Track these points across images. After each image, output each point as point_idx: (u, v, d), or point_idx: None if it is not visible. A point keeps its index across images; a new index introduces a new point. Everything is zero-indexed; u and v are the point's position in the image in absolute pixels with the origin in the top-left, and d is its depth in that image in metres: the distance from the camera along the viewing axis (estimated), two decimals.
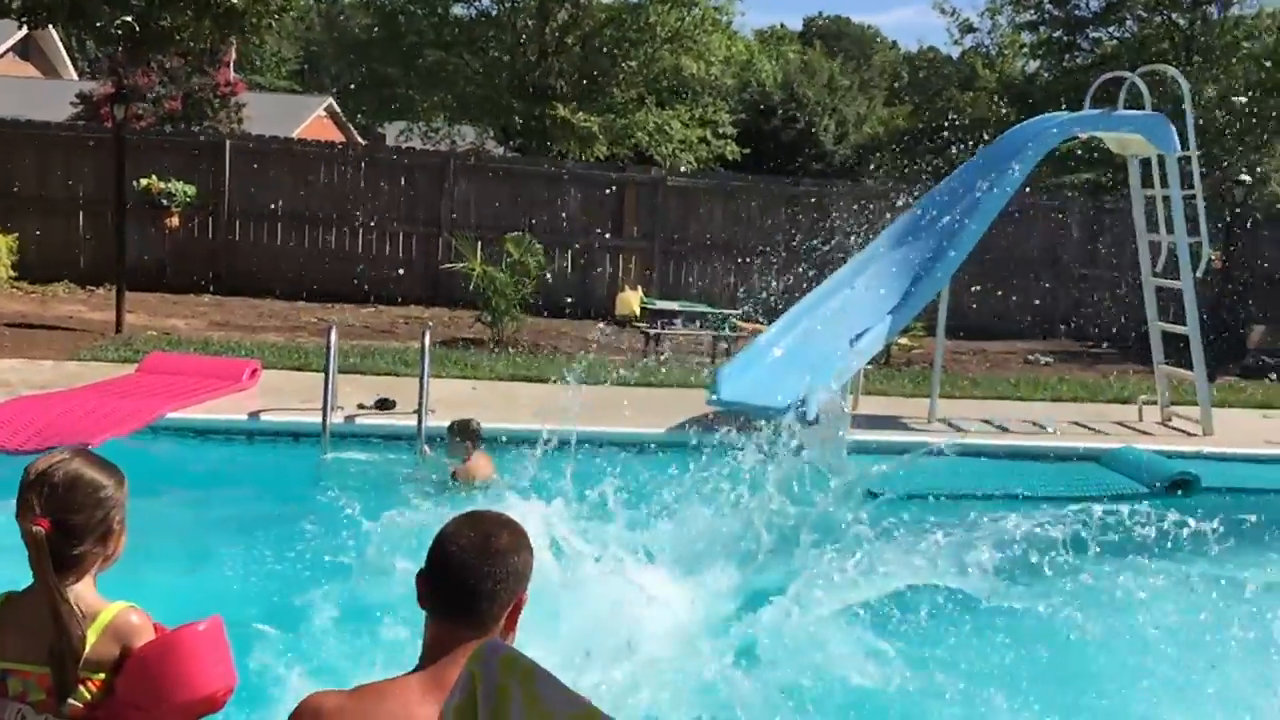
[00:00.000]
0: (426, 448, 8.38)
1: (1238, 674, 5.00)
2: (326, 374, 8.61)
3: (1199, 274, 10.95)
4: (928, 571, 5.42)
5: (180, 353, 11.12)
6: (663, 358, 11.87)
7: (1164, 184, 10.86)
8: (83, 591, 2.49)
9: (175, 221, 16.40)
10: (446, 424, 7.95)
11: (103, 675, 2.45)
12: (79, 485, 2.46)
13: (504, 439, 8.40)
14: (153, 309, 15.14)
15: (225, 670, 2.54)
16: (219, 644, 2.55)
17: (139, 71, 22.33)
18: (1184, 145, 10.71)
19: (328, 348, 8.74)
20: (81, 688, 2.43)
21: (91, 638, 2.44)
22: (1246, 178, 17.95)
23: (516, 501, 6.57)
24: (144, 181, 15.94)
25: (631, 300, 16.92)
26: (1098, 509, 5.50)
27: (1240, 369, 15.76)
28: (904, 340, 14.22)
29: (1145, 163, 11.28)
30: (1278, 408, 12.58)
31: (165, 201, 16.09)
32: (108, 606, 2.50)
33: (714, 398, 9.33)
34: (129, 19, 12.37)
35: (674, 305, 16.03)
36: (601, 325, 15.38)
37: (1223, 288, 17.34)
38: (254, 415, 8.95)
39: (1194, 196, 10.84)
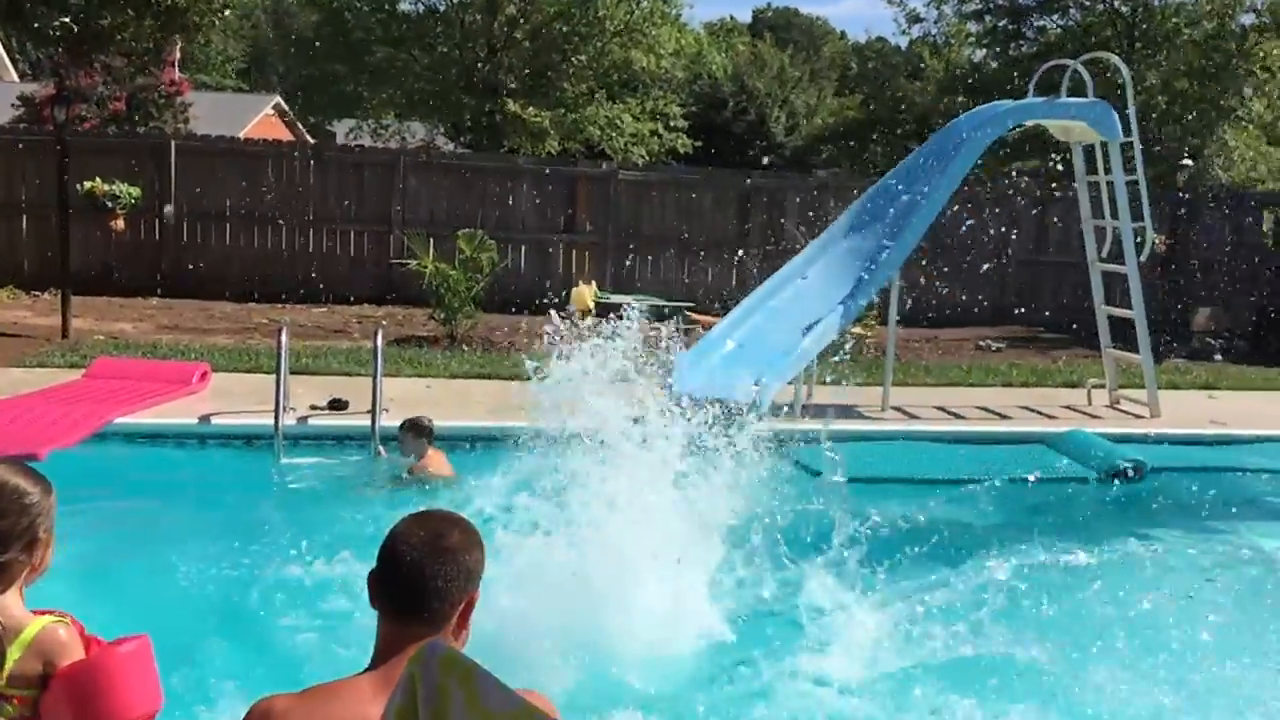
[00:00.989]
0: (381, 448, 8.34)
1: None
2: (278, 376, 8.52)
3: (1143, 258, 11.12)
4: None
5: (128, 357, 10.96)
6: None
7: (1108, 170, 11.01)
8: (7, 604, 2.44)
9: (120, 224, 16.16)
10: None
11: (28, 692, 2.41)
12: (3, 492, 2.42)
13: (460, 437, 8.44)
14: (100, 313, 14.91)
15: (151, 693, 2.51)
16: (145, 666, 2.51)
17: (82, 72, 21.96)
18: (1126, 131, 10.87)
19: (278, 349, 8.65)
20: (6, 704, 2.39)
21: (16, 653, 2.40)
22: (1189, 162, 18.24)
23: (482, 500, 6.60)
24: (88, 184, 15.70)
25: (585, 295, 16.90)
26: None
27: (1187, 351, 16.03)
28: (857, 329, 14.32)
29: (1089, 149, 11.43)
30: (1223, 388, 12.82)
31: (110, 204, 15.85)
32: (34, 620, 2.46)
33: (667, 391, 9.34)
34: (66, 19, 12.16)
35: (628, 299, 16.03)
36: (556, 315, 15.36)
37: (1168, 271, 17.61)
38: (205, 419, 8.85)
39: (1137, 182, 11.00)
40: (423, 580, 2.30)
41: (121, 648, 2.48)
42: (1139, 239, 11.04)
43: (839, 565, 5.76)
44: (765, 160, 37.35)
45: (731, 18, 57.32)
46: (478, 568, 2.39)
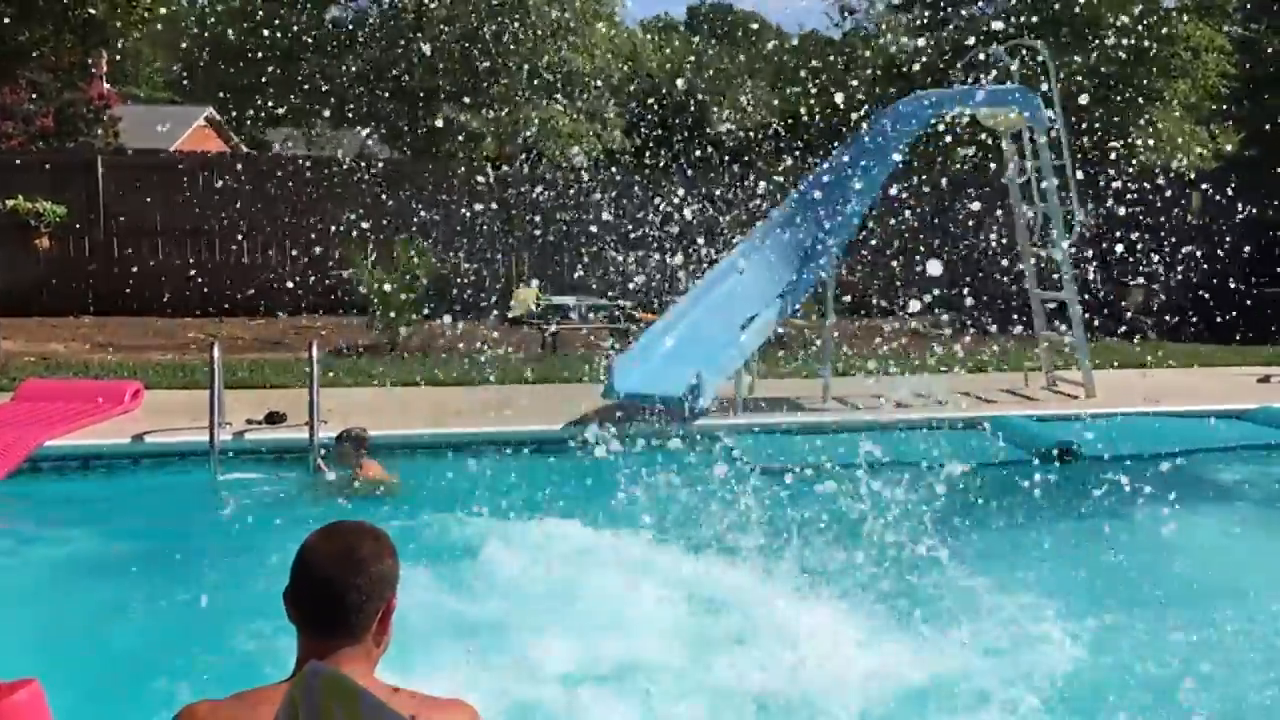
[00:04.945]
0: (321, 460, 8.25)
1: None
2: (212, 391, 8.40)
3: (1071, 240, 11.27)
4: None
5: (58, 378, 10.76)
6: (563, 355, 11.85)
7: (1035, 155, 11.16)
8: None
9: (46, 242, 15.86)
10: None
11: None
12: None
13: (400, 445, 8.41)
14: (30, 334, 14.62)
15: None
16: (35, 715, 2.45)
17: (6, 89, 21.51)
18: (1052, 117, 11.01)
19: (212, 364, 8.53)
20: None
21: None
22: (1116, 145, 18.51)
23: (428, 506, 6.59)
24: (10, 202, 15.39)
25: (527, 297, 16.87)
26: None
27: (1120, 331, 16.28)
28: (799, 322, 14.41)
29: (1017, 135, 11.58)
30: (1156, 366, 13.04)
31: (34, 222, 15.55)
32: None
33: (609, 391, 9.35)
34: None
35: (569, 300, 16.02)
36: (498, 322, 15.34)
37: (1099, 252, 17.85)
38: (138, 438, 8.70)
39: (1063, 167, 11.15)
40: (336, 595, 2.28)
41: (12, 697, 2.41)
42: (1069, 222, 11.20)
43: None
44: (705, 155, 37.35)
45: (667, 14, 57.51)
46: (392, 574, 2.37)
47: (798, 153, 32.30)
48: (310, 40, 27.01)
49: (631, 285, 17.98)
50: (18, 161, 16.91)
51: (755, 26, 55.50)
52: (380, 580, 2.32)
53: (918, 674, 4.79)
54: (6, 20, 12.12)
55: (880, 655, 4.92)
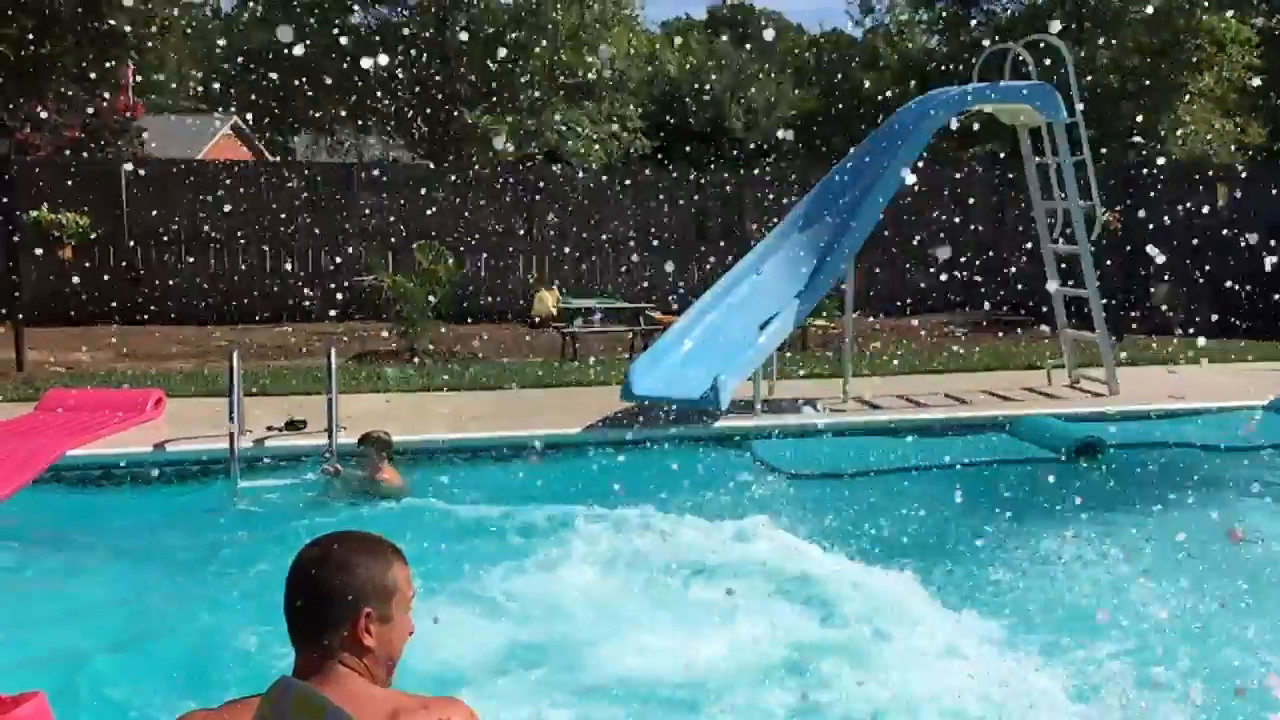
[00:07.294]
0: (339, 465, 8.26)
1: None
2: (230, 399, 8.43)
3: (1093, 237, 11.16)
4: None
5: (81, 387, 10.84)
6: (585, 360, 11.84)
7: (1055, 151, 11.06)
8: None
9: (69, 253, 16.01)
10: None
11: None
12: None
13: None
14: (56, 344, 14.74)
15: None
16: None
17: (33, 101, 21.73)
18: (1071, 112, 10.91)
19: (231, 371, 8.56)
20: None
21: None
22: (1139, 140, 18.34)
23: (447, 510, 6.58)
24: (34, 214, 15.54)
25: (548, 300, 16.89)
26: None
27: (1146, 327, 16.12)
28: (820, 321, 14.36)
29: (1036, 131, 11.48)
30: (1182, 363, 12.88)
31: (57, 233, 15.71)
32: None
33: (628, 394, 9.32)
34: (3, 49, 12.01)
35: (590, 303, 16.02)
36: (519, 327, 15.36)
37: (1124, 248, 17.70)
38: (159, 446, 8.75)
39: (1084, 162, 11.04)
40: (303, 598, 2.24)
41: (17, 711, 2.41)
42: (1089, 217, 11.09)
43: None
44: (726, 156, 37.41)
45: (687, 16, 57.41)
46: (372, 581, 2.27)
47: (816, 151, 32.33)
48: (333, 45, 27.13)
49: (651, 287, 17.98)
50: (45, 171, 17.04)
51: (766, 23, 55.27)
52: (348, 588, 2.24)
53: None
54: (29, 34, 12.23)
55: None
